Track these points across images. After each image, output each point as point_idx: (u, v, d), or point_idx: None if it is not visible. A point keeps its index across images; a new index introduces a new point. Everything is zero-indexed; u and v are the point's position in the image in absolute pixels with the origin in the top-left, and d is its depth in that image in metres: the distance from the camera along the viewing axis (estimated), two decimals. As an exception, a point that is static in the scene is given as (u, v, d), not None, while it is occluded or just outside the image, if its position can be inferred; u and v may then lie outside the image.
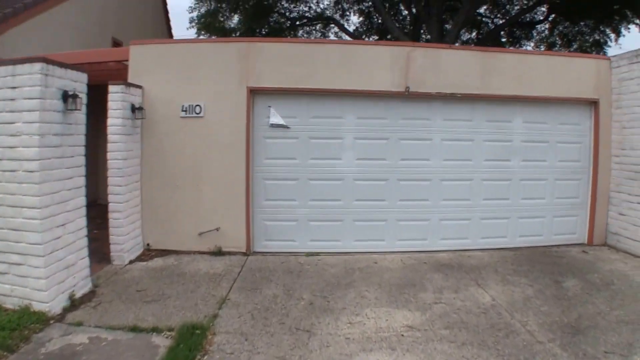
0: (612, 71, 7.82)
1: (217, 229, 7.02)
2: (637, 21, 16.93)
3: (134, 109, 6.67)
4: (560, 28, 19.07)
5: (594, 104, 7.82)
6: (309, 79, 7.04)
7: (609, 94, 7.82)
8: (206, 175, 7.05)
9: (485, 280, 6.03)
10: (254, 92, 7.07)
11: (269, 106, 7.13)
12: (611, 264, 6.83)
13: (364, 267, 6.52)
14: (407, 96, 7.22)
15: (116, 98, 6.37)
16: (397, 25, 18.39)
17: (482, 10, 19.24)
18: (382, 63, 7.16)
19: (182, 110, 7.01)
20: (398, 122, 7.30)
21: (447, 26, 17.73)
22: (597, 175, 7.88)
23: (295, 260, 6.82)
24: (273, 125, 7.13)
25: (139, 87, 6.91)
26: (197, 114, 7.00)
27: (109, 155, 6.38)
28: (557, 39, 19.28)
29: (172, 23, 16.57)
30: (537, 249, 7.59)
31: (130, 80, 6.88)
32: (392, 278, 6.08)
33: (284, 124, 7.12)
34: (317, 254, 7.08)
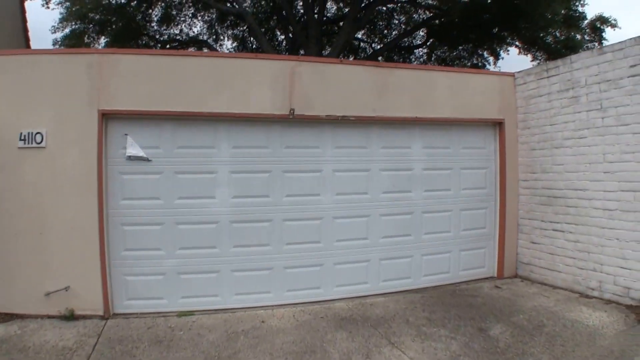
0: (516, 88, 7.66)
1: (67, 289, 6.00)
2: (517, 43, 18.05)
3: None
4: (438, 52, 20.24)
5: (498, 124, 7.67)
6: (175, 100, 6.26)
7: (515, 114, 7.66)
8: (52, 220, 6.02)
9: (398, 337, 5.50)
10: (107, 117, 6.14)
11: (126, 134, 6.23)
12: (532, 299, 6.66)
13: (249, 330, 5.77)
14: (292, 120, 6.66)
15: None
16: (274, 50, 18.59)
17: (360, 34, 20.16)
18: (262, 80, 6.55)
19: (20, 139, 5.94)
20: (282, 152, 6.71)
21: (325, 52, 18.04)
22: (505, 202, 7.75)
23: (165, 324, 5.95)
24: (131, 158, 6.24)
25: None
26: (38, 143, 5.96)
27: None
28: (436, 63, 20.23)
29: (35, 45, 14.95)
30: (445, 288, 7.30)
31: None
32: (286, 344, 5.36)
33: (144, 156, 6.26)
34: (191, 313, 6.27)
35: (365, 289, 7.02)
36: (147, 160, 6.28)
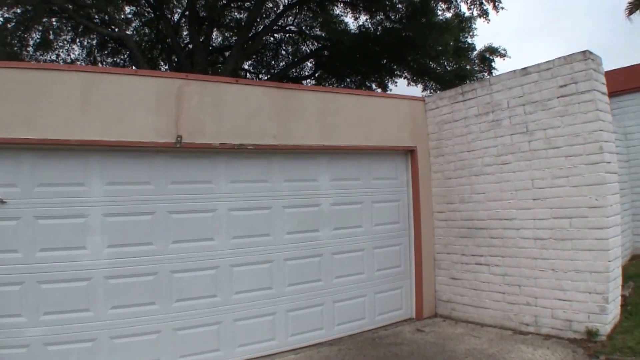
0: (427, 114, 7.57)
1: None
2: (407, 74, 19.31)
3: None
4: (326, 84, 20.83)
5: (410, 152, 7.55)
6: (34, 124, 5.37)
7: (427, 140, 7.53)
8: None
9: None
10: None
11: None
12: (462, 341, 6.47)
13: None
14: (179, 150, 6.06)
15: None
16: None
17: (247, 65, 20.69)
18: (143, 102, 5.89)
19: None
20: (167, 188, 6.08)
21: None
22: (421, 237, 7.70)
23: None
24: None
25: None
26: None
27: None
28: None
29: None
30: (363, 336, 7.01)
31: None
32: None
33: None
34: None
35: (272, 346, 6.50)
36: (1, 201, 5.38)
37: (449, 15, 17.25)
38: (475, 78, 18.00)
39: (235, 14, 19.38)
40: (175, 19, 19.04)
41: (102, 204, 5.75)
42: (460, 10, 17.31)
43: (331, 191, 7.03)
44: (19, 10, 15.87)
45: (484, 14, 16.67)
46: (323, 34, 18.93)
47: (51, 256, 5.52)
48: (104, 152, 5.78)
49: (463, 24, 17.60)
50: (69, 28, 18.07)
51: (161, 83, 6.06)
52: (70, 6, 15.35)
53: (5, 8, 15.68)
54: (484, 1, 16.40)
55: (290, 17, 19.45)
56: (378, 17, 18.01)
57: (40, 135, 5.39)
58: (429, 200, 7.67)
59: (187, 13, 17.50)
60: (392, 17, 17.62)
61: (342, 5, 18.59)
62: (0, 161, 5.37)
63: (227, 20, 19.36)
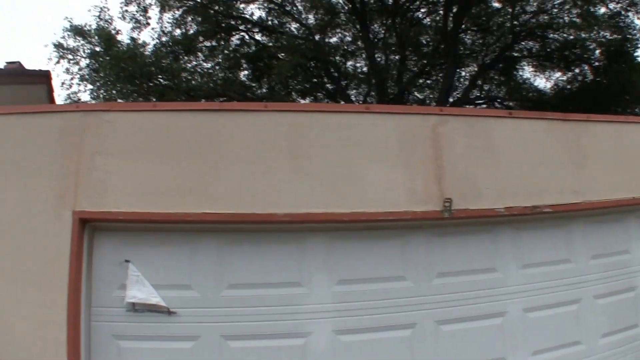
0: None
1: None
2: None
3: None
4: None
5: None
6: (215, 194, 3.64)
7: None
8: None
9: None
10: (91, 225, 3.65)
11: (126, 260, 3.61)
12: None
13: None
14: (446, 222, 3.87)
15: None
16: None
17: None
18: (382, 150, 3.86)
19: None
20: (430, 285, 3.89)
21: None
22: None
23: None
24: (136, 307, 3.55)
25: None
26: None
27: None
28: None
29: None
30: None
31: None
32: None
33: (161, 303, 3.54)
34: None
35: None
36: (166, 312, 3.53)
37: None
38: None
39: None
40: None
41: (329, 314, 3.72)
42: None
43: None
44: None
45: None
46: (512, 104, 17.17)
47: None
48: (326, 231, 3.80)
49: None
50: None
51: (406, 122, 3.95)
52: None
53: None
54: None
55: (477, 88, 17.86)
56: (571, 73, 16.45)
57: (223, 209, 3.59)
58: None
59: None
60: (588, 70, 16.06)
61: (530, 66, 16.99)
62: (164, 249, 3.71)
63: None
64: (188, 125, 3.71)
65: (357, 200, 3.66)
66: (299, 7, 16.22)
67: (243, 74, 16.84)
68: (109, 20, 15.23)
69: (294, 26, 16.46)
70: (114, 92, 14.48)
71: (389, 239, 3.85)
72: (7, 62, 10.03)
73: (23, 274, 3.52)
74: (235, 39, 16.18)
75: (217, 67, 16.29)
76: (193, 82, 15.55)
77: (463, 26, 15.98)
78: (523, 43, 16.43)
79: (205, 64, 16.25)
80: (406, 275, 3.79)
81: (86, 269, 3.55)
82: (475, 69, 16.85)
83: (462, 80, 17.40)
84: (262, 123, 3.71)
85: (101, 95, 14.60)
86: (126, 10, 15.01)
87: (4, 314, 3.51)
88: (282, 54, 14.51)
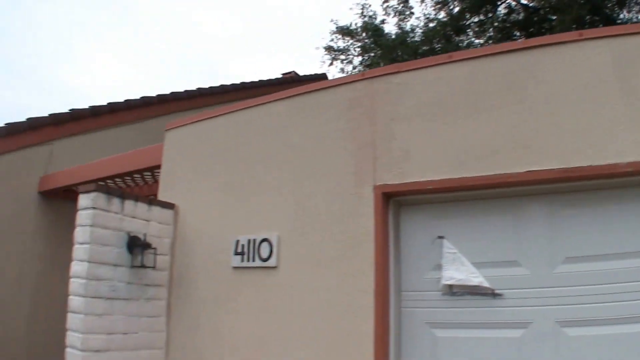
0: None
1: None
2: None
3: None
4: None
5: None
6: (534, 145, 3.14)
7: None
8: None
9: None
10: (396, 200, 3.57)
11: (440, 236, 3.40)
12: None
13: None
14: None
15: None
16: None
17: None
18: None
19: (236, 254, 3.96)
20: None
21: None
22: None
23: None
24: (454, 291, 3.27)
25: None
26: (264, 260, 3.81)
27: None
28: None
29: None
30: None
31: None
32: None
33: (484, 284, 3.18)
34: None
35: None
36: (490, 295, 3.16)
37: None
38: None
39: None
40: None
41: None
42: None
43: None
44: None
45: None
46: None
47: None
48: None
49: None
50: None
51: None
52: None
53: None
54: None
55: None
56: None
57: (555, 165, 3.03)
58: None
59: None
60: None
61: None
62: (484, 220, 3.36)
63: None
64: (491, 72, 3.29)
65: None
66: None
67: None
68: (373, 16, 16.19)
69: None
70: None
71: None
72: (282, 74, 10.97)
73: (325, 260, 3.50)
74: (501, 9, 15.58)
75: (490, 42, 15.97)
76: None
77: None
78: None
79: (477, 40, 16.06)
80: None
81: (393, 250, 3.42)
82: None
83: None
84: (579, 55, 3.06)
85: None
86: (388, 6, 15.69)
87: (304, 302, 3.60)
88: (553, 15, 13.69)
